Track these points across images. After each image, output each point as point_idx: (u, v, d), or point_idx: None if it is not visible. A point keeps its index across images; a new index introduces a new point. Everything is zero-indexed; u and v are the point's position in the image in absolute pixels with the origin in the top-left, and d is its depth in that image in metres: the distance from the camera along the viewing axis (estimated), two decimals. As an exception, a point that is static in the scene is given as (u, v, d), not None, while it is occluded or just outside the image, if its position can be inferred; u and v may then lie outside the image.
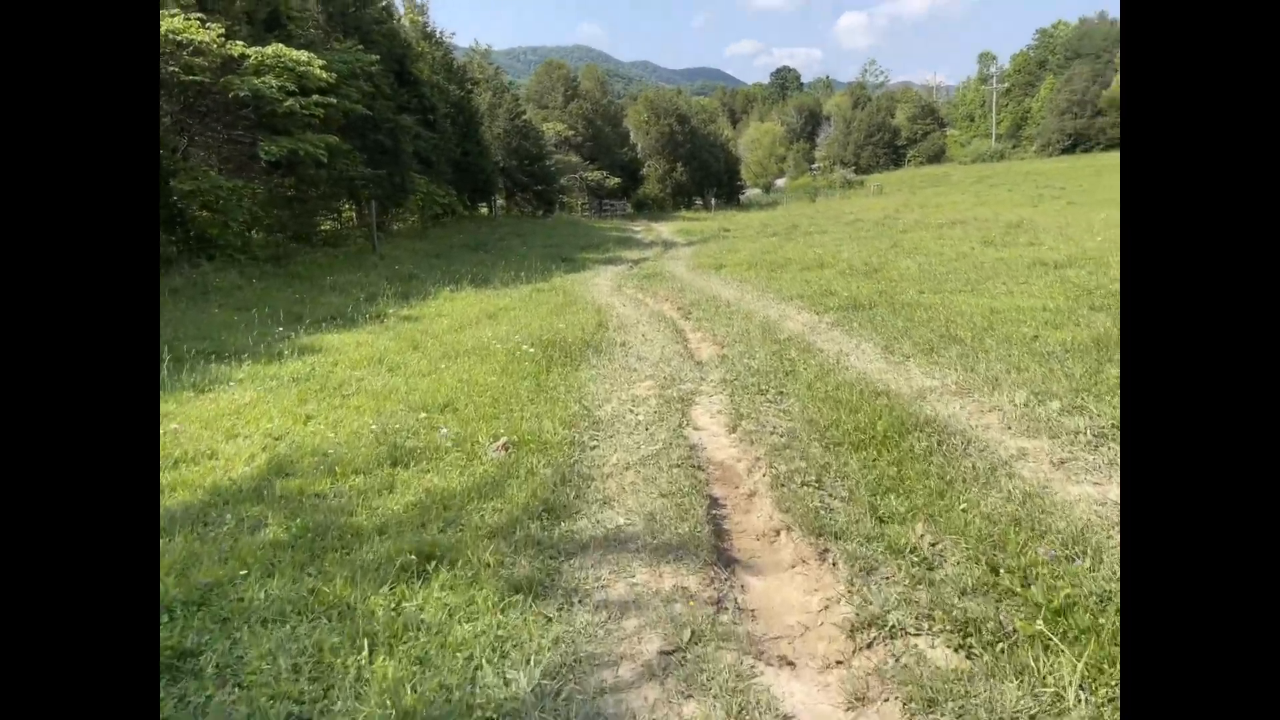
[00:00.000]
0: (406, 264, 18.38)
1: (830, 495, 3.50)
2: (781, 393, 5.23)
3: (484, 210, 34.62)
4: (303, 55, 14.16)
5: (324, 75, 14.50)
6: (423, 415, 5.22)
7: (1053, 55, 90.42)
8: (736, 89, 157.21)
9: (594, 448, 4.40)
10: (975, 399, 4.77)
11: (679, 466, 3.95)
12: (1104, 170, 52.16)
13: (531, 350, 6.82)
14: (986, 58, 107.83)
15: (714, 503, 3.64)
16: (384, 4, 22.54)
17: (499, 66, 36.06)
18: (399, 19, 27.57)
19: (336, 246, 20.74)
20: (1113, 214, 20.41)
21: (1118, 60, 77.83)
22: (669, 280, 13.91)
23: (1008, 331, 6.24)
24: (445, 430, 4.74)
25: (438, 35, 29.12)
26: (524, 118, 36.12)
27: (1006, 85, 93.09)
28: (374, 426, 4.93)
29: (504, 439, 4.47)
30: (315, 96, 14.23)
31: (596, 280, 15.35)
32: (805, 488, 3.57)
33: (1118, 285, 7.77)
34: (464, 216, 31.06)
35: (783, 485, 3.61)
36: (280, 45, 13.88)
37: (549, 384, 5.87)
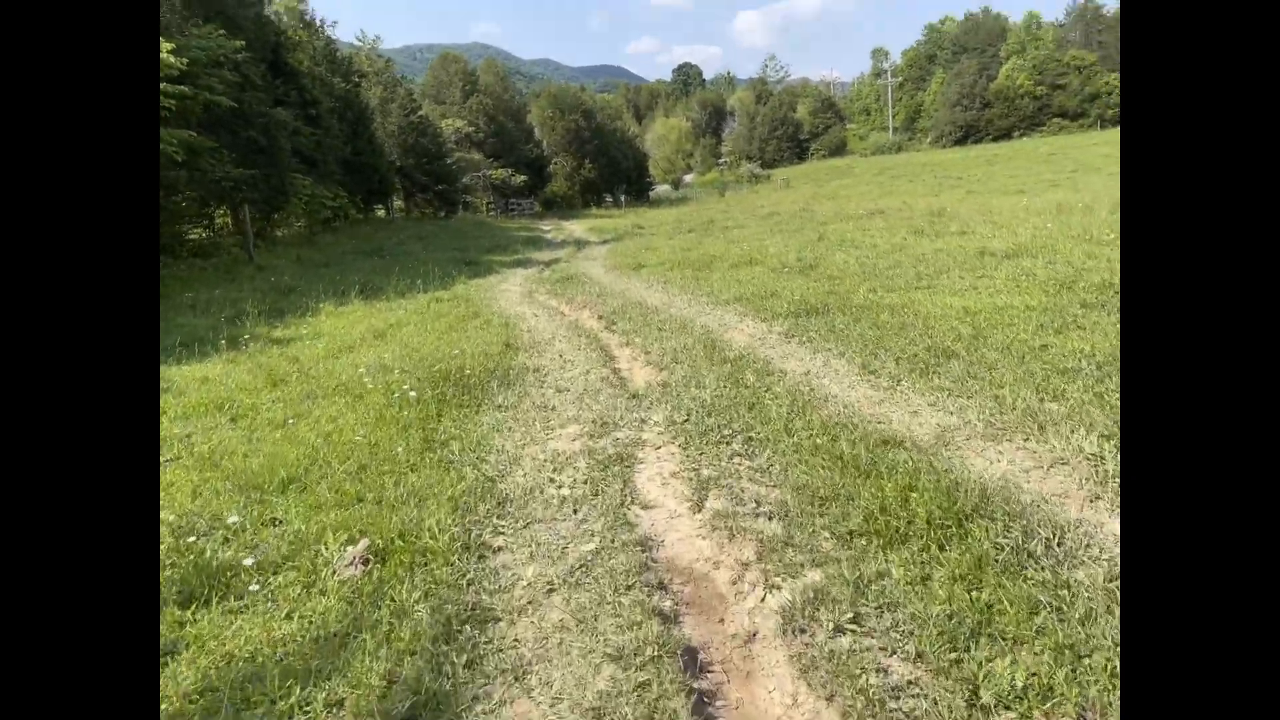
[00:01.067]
0: (287, 275, 16.29)
1: (884, 646, 2.24)
2: (751, 439, 3.96)
3: (381, 213, 32.24)
4: (141, 35, 11.97)
5: (173, 60, 12.35)
6: (255, 498, 3.68)
7: (941, 50, 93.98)
8: (640, 85, 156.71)
9: (498, 551, 3.01)
10: (1022, 445, 3.61)
11: (629, 586, 2.61)
12: (995, 160, 54.30)
13: (418, 387, 5.32)
14: (880, 53, 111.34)
15: (693, 662, 2.34)
16: (250, -16, 20.14)
17: (390, 59, 33.61)
18: (271, 3, 25.04)
19: (206, 258, 18.33)
20: (1021, 201, 20.39)
21: (1002, 53, 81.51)
22: (586, 283, 12.53)
23: (1003, 339, 5.19)
24: (270, 540, 3.22)
25: (318, 23, 26.64)
26: (420, 114, 33.87)
27: (900, 80, 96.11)
28: (174, 525, 3.37)
29: (363, 544, 3.02)
30: (163, 85, 12.08)
31: (504, 286, 13.82)
32: (839, 634, 2.33)
33: (1094, 277, 6.92)
34: (358, 220, 28.70)
35: (799, 628, 2.34)
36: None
37: (439, 436, 4.42)
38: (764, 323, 6.98)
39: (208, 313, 11.61)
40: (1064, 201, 18.14)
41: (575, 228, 31.12)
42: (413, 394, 5.02)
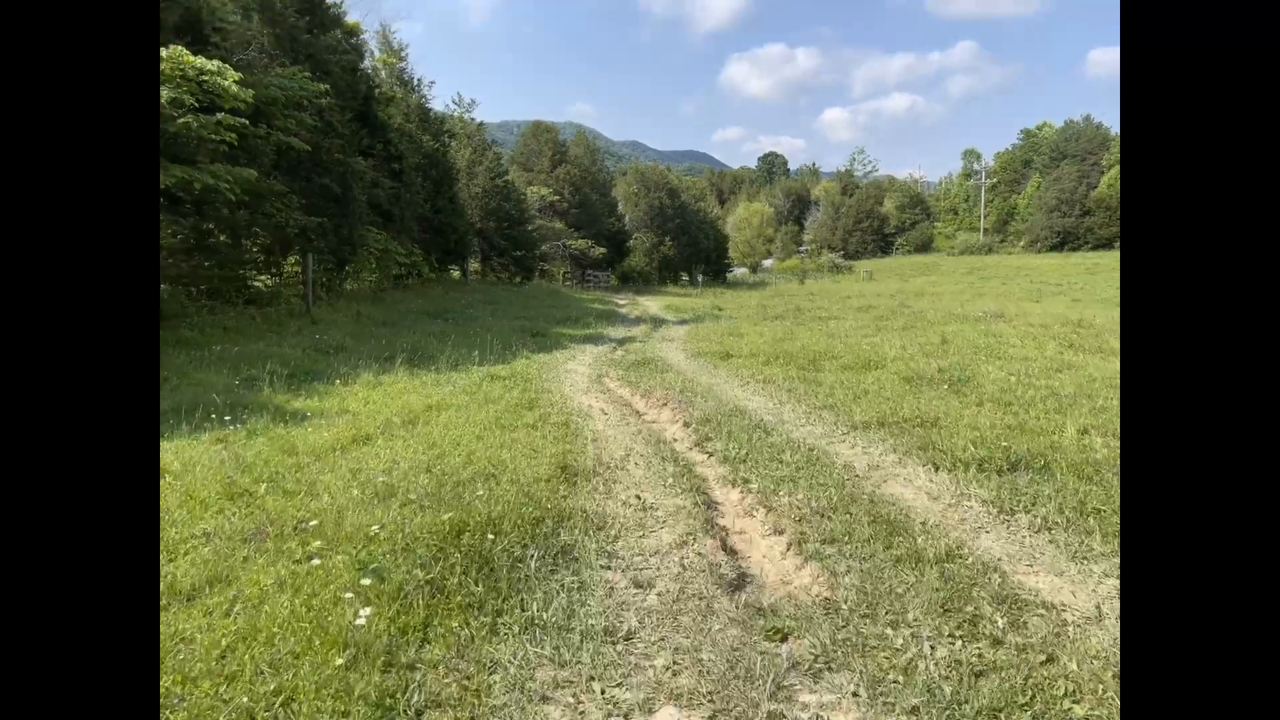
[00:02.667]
0: (340, 331, 14.93)
1: None
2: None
3: (455, 274, 31.48)
4: (211, 64, 11.01)
5: (238, 92, 11.32)
6: None
7: (1037, 155, 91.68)
8: (724, 171, 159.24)
9: None
10: None
11: None
12: (1096, 269, 51.24)
13: (407, 558, 3.24)
14: (971, 154, 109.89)
15: None
16: (347, 33, 19.76)
17: (482, 122, 33.55)
18: (371, 60, 24.96)
19: (262, 306, 17.29)
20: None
21: (1104, 162, 78.58)
22: (665, 371, 10.56)
23: None
24: None
25: (414, 82, 26.47)
26: (506, 178, 33.44)
27: (993, 181, 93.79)
28: None
29: None
30: (221, 116, 10.99)
31: (571, 365, 11.96)
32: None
33: None
34: (431, 280, 27.84)
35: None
36: (180, 48, 10.72)
37: (406, 703, 2.34)
38: (942, 472, 4.77)
39: (235, 369, 10.09)
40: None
41: (651, 304, 29.55)
42: (405, 561, 2.95)
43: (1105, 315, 18.38)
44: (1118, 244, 71.47)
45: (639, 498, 4.44)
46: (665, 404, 8.05)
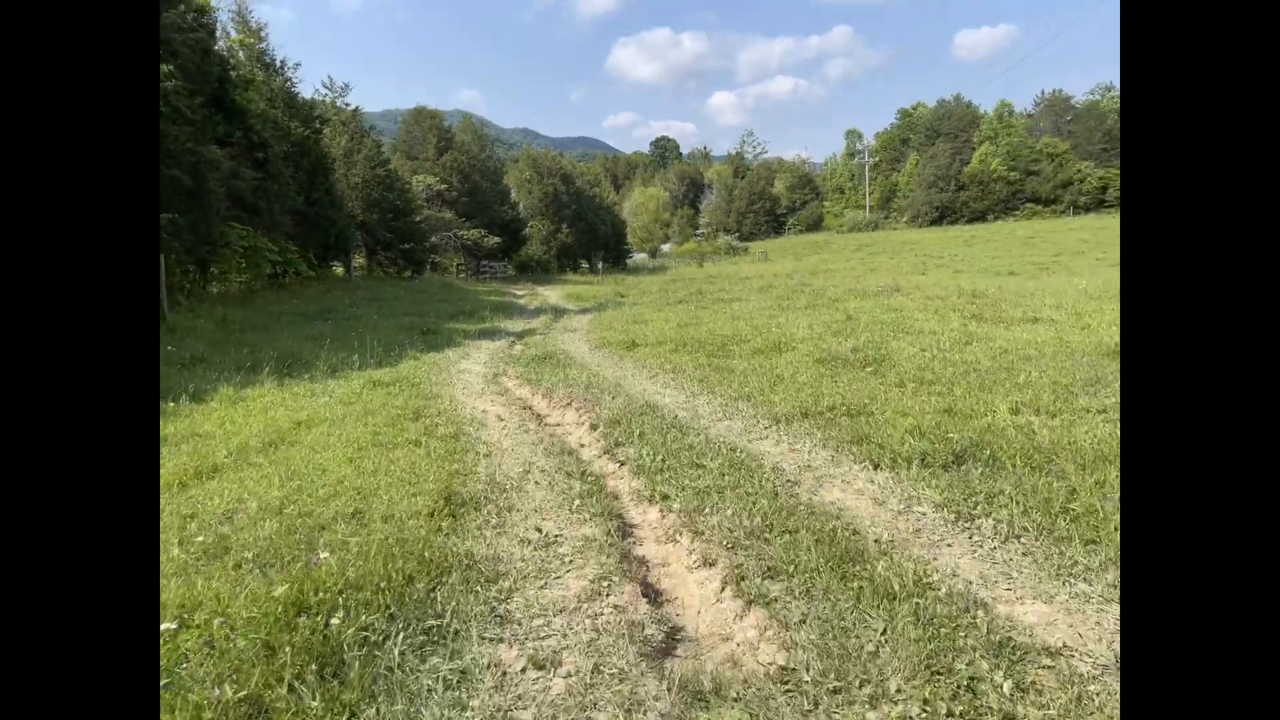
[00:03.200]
0: (200, 340, 13.31)
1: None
2: None
3: (339, 270, 29.40)
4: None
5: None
6: None
7: (914, 133, 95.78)
8: (618, 156, 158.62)
9: None
10: None
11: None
12: (974, 240, 54.10)
13: (217, 667, 2.37)
14: (854, 134, 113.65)
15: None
16: (195, 10, 17.71)
17: (357, 108, 31.37)
18: (226, 40, 22.69)
19: (108, 315, 15.27)
20: (1067, 281, 18.48)
21: (975, 139, 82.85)
22: (568, 366, 9.80)
23: None
24: None
25: (278, 64, 24.30)
26: (388, 167, 31.49)
27: (874, 160, 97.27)
28: None
29: None
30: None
31: (465, 365, 11.01)
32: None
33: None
34: (310, 278, 25.81)
35: None
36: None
37: None
38: (882, 471, 4.25)
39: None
40: (1109, 281, 16.09)
41: (551, 294, 28.58)
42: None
43: (993, 285, 18.93)
44: (990, 216, 75.71)
45: (539, 529, 3.69)
46: (569, 404, 7.31)
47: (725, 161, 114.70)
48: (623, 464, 4.95)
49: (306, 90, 27.43)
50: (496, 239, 39.86)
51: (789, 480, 4.25)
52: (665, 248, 79.65)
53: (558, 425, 6.64)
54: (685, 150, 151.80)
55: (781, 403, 6.11)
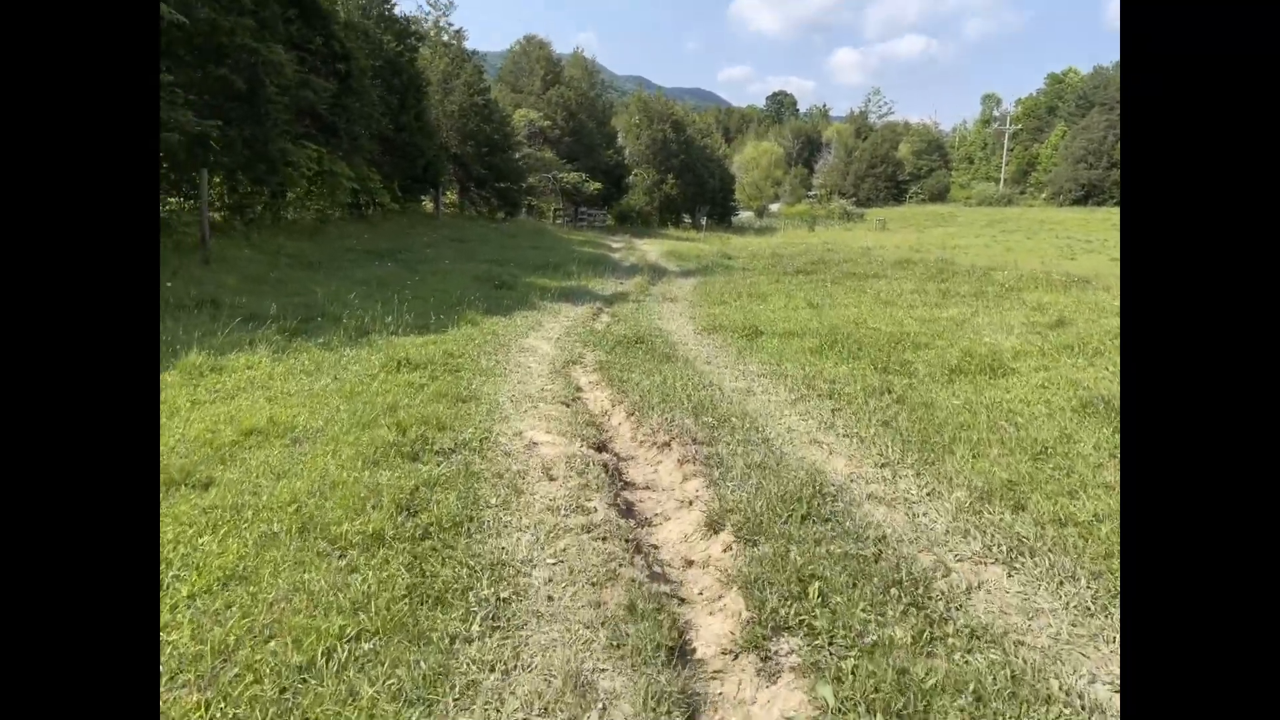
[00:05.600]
0: (237, 276, 11.26)
1: None
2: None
3: (427, 206, 27.40)
4: None
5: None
6: None
7: (1062, 102, 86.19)
8: (731, 109, 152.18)
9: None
10: None
11: None
12: (1129, 225, 47.30)
13: None
14: (991, 99, 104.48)
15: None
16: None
17: (461, 28, 28.89)
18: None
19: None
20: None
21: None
22: (667, 360, 7.02)
23: None
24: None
25: (376, -30, 21.96)
26: (488, 96, 29.02)
27: (1015, 128, 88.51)
28: None
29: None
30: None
31: (533, 339, 8.37)
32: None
33: None
34: (394, 211, 23.83)
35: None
36: None
37: None
38: None
39: None
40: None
41: (650, 249, 25.70)
42: None
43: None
44: (1147, 200, 67.13)
45: None
46: (668, 442, 4.49)
47: (846, 121, 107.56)
48: (797, 664, 2.09)
49: (407, 6, 25.08)
50: (598, 185, 37.08)
51: None
52: (774, 207, 75.02)
53: (646, 492, 3.84)
54: (803, 108, 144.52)
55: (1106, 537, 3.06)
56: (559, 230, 31.41)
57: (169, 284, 9.72)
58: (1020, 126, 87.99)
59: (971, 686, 2.04)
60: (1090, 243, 34.45)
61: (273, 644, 2.21)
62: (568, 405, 5.46)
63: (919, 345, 7.32)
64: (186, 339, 6.87)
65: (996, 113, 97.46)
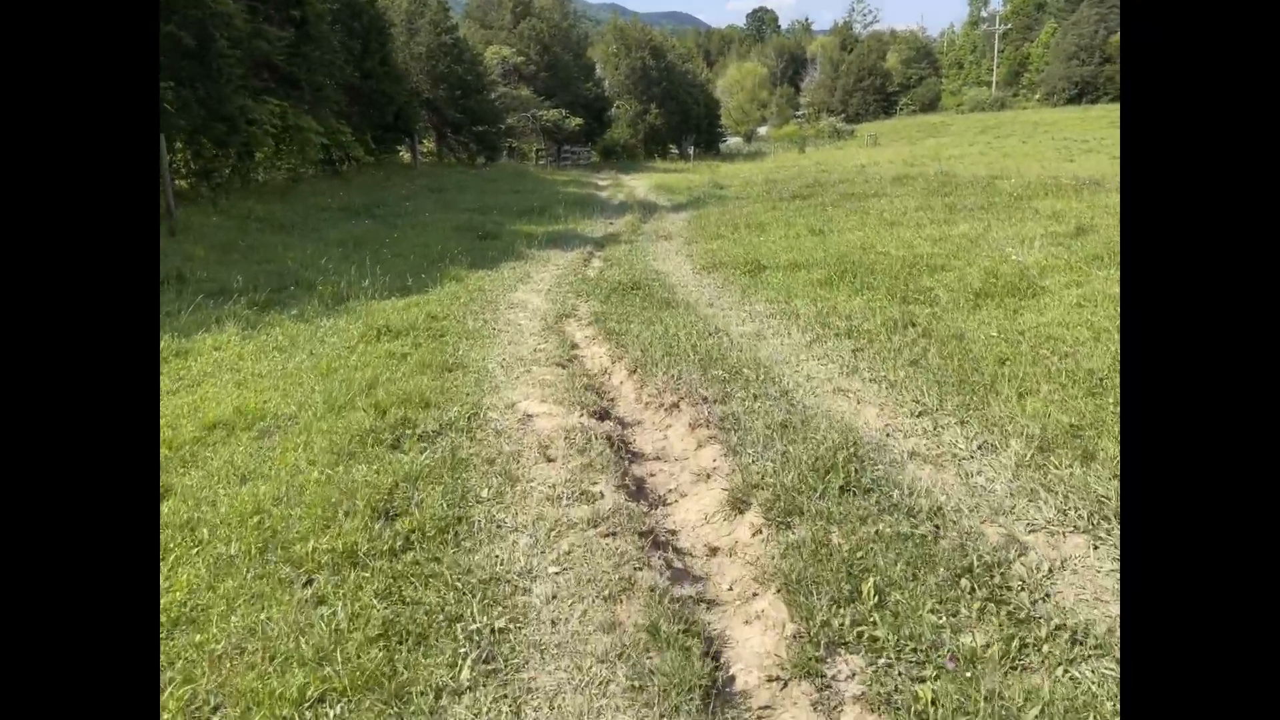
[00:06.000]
0: (204, 245, 10.64)
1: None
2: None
3: (405, 156, 26.32)
4: None
5: None
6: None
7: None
8: (711, 30, 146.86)
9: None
10: None
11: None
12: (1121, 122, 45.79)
13: None
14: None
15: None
16: None
17: (421, -36, 27.19)
18: None
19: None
20: None
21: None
22: (667, 306, 6.52)
23: None
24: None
25: (322, -96, 20.39)
26: (457, 35, 27.58)
27: (1005, 28, 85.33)
28: None
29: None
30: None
31: (522, 293, 7.85)
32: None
33: None
34: (369, 164, 22.82)
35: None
36: None
37: None
38: None
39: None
40: None
41: (638, 184, 24.79)
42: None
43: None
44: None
45: None
46: (676, 403, 4.04)
47: (830, 34, 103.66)
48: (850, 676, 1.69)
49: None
50: (579, 120, 35.70)
51: None
52: (761, 131, 72.92)
53: (657, 464, 3.40)
54: (785, 24, 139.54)
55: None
56: (542, 172, 30.32)
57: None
58: (1010, 25, 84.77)
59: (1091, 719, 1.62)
60: (1088, 143, 33.32)
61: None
62: (563, 367, 4.98)
63: (935, 268, 6.81)
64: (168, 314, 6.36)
65: (985, 13, 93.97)
